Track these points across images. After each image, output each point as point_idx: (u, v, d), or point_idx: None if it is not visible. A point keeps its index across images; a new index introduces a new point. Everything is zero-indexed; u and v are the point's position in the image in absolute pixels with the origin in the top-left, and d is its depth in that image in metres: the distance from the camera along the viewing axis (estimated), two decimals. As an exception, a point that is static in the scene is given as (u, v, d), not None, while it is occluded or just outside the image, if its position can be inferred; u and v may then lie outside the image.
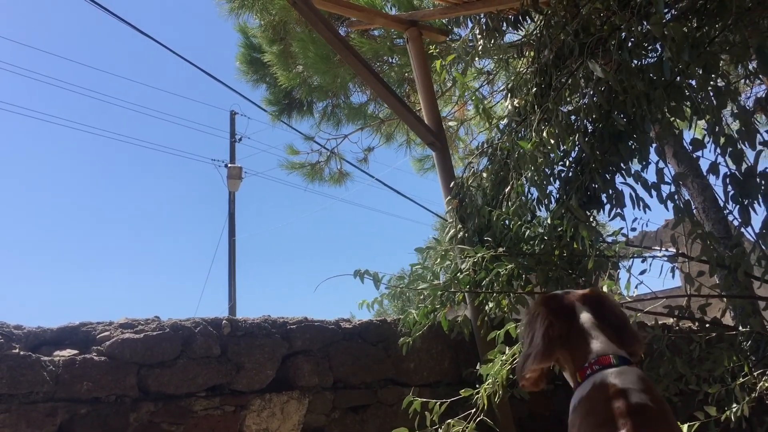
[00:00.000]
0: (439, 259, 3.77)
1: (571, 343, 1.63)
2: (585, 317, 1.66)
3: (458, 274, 3.48)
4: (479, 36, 3.99)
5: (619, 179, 2.97)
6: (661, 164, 2.72)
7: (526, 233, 3.23)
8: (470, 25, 4.57)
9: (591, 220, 3.04)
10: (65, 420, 3.08)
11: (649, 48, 2.95)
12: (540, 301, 1.76)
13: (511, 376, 3.21)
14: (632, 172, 2.82)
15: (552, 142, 3.06)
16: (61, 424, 3.07)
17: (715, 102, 2.53)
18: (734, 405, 2.98)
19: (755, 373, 3.04)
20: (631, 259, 3.09)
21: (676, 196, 2.69)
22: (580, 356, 1.60)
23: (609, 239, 3.17)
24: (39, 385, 3.02)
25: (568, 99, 3.23)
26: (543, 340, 1.64)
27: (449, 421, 3.26)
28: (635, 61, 2.83)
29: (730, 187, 2.48)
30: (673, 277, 3.02)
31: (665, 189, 2.70)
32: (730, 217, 2.65)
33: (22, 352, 3.03)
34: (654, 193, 2.70)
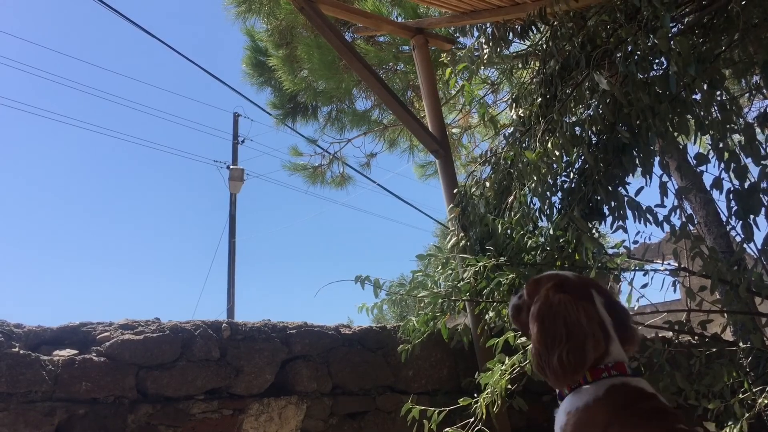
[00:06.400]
0: (440, 267, 3.77)
1: None
2: (603, 311, 1.52)
3: (459, 283, 3.48)
4: (485, 45, 4.00)
5: (622, 191, 2.98)
6: (665, 178, 2.72)
7: (528, 243, 3.23)
8: (476, 34, 4.57)
9: (593, 231, 3.04)
10: (63, 420, 3.08)
11: (655, 61, 2.96)
12: (554, 287, 1.53)
13: (509, 386, 3.21)
14: (635, 198, 2.84)
15: (556, 152, 3.07)
16: (59, 424, 3.06)
17: (719, 117, 2.54)
18: (733, 421, 2.97)
19: (755, 390, 3.03)
20: (633, 272, 3.09)
21: (678, 211, 2.70)
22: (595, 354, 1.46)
23: (611, 251, 3.16)
24: (38, 385, 3.02)
25: (573, 110, 3.24)
26: (592, 327, 1.45)
27: (447, 429, 3.25)
28: (641, 75, 2.84)
29: (733, 203, 2.49)
30: (674, 291, 3.02)
31: (668, 202, 2.71)
32: (733, 233, 2.65)
33: (21, 351, 3.03)
34: (651, 214, 2.72)
